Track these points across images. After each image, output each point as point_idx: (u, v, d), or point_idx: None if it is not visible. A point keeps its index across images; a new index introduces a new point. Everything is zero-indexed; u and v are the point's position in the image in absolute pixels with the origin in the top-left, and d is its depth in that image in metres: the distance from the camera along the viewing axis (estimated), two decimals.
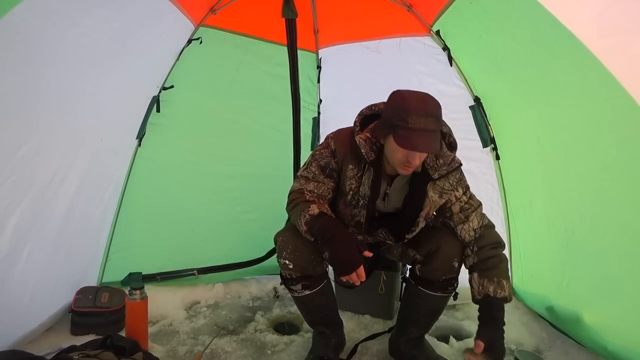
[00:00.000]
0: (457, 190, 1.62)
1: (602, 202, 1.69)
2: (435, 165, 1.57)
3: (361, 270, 1.44)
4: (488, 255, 1.58)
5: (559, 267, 1.99)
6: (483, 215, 1.66)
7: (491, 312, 1.54)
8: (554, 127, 1.88)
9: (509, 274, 1.61)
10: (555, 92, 1.78)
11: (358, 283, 1.46)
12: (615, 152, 1.57)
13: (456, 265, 1.64)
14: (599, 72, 1.44)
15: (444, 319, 1.83)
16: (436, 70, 2.32)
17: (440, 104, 1.43)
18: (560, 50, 1.61)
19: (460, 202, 1.62)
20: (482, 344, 1.44)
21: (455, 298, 1.74)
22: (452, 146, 1.62)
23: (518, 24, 1.78)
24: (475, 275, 1.58)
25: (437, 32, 2.23)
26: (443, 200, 1.62)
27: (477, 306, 1.59)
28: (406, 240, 1.71)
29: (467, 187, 1.67)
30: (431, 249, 1.64)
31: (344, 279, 1.47)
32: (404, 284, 2.23)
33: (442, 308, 1.79)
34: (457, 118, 2.31)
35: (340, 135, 1.66)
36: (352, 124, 1.63)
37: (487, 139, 2.28)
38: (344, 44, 2.62)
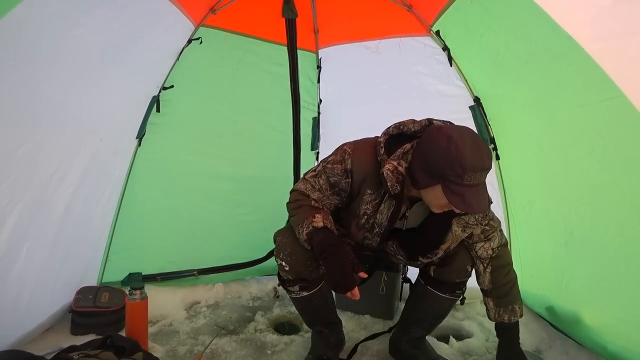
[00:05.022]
0: (480, 222, 1.57)
1: (600, 202, 1.70)
2: None
3: (356, 291, 1.42)
4: (503, 282, 1.61)
5: (559, 266, 1.99)
6: (502, 233, 1.64)
7: (510, 338, 1.62)
8: (553, 127, 1.88)
9: (519, 292, 1.65)
10: (555, 93, 1.79)
11: (352, 300, 1.45)
12: (613, 152, 1.57)
13: (469, 269, 1.66)
14: (596, 73, 1.45)
15: (444, 319, 1.85)
16: (436, 71, 2.32)
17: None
18: (559, 52, 1.62)
19: (482, 224, 1.57)
20: None
21: (462, 302, 1.76)
22: None
23: (519, 23, 1.78)
24: (491, 302, 1.62)
25: (437, 32, 2.22)
26: (466, 234, 1.56)
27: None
28: (419, 263, 1.68)
29: (489, 209, 1.59)
30: (448, 252, 1.63)
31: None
32: (404, 284, 2.24)
33: (447, 311, 1.81)
34: (457, 118, 2.30)
35: (359, 154, 1.47)
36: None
37: (487, 139, 2.28)
38: (344, 44, 2.61)
